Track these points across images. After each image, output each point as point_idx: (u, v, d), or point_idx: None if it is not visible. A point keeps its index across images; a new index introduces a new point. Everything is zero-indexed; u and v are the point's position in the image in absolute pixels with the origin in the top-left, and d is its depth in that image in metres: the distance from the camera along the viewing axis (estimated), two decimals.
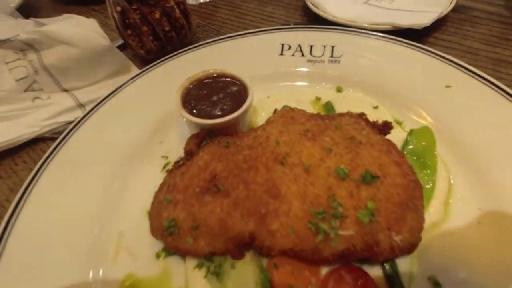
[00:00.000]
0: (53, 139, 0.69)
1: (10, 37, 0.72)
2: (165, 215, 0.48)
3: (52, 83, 0.78)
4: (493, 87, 0.61)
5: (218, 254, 0.46)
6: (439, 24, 0.89)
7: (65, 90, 0.79)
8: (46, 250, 0.51)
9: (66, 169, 0.61)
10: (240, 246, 0.45)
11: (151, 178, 0.59)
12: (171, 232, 0.46)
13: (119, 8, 0.79)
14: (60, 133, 0.67)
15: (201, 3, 1.11)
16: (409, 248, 0.45)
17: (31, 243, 0.52)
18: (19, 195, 0.57)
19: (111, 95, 0.71)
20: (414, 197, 0.47)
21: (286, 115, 0.56)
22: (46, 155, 0.62)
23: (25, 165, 0.71)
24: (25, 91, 0.76)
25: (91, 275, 0.50)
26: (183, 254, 0.48)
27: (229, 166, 0.49)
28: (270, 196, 0.44)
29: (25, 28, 0.77)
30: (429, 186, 0.54)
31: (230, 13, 1.06)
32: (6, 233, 0.52)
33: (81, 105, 0.76)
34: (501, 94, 0.60)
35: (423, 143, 0.58)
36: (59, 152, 0.63)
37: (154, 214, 0.50)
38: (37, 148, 0.74)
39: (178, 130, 0.68)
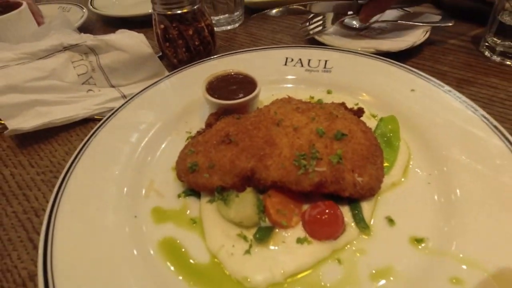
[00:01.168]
0: (101, 119, 0.89)
1: (79, 43, 0.96)
2: (188, 160, 0.65)
3: (103, 79, 0.99)
4: (447, 91, 0.79)
5: (227, 187, 0.61)
6: (416, 52, 1.09)
7: (112, 86, 1.01)
8: (97, 193, 0.67)
9: (111, 137, 0.78)
10: (243, 181, 0.61)
11: (176, 145, 0.76)
12: (193, 170, 0.63)
13: (162, 26, 1.02)
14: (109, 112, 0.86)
15: (223, 30, 1.35)
16: (370, 190, 0.60)
17: (84, 187, 0.68)
18: (74, 154, 0.74)
19: (149, 87, 0.91)
20: (374, 155, 0.62)
21: (284, 100, 0.74)
22: (96, 127, 0.81)
23: (78, 137, 0.90)
24: (82, 83, 0.98)
25: (129, 207, 0.65)
26: (200, 188, 0.63)
27: (239, 128, 0.66)
28: (267, 144, 0.61)
29: (89, 38, 1.00)
30: (392, 159, 0.70)
31: (247, 38, 1.30)
32: (65, 181, 0.69)
33: (124, 96, 0.96)
34: (451, 96, 0.78)
35: (390, 127, 0.74)
36: (106, 126, 0.81)
37: (179, 161, 0.67)
38: (88, 126, 0.93)
39: (200, 114, 0.87)
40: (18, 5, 1.22)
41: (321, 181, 0.57)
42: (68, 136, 0.91)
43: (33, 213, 0.72)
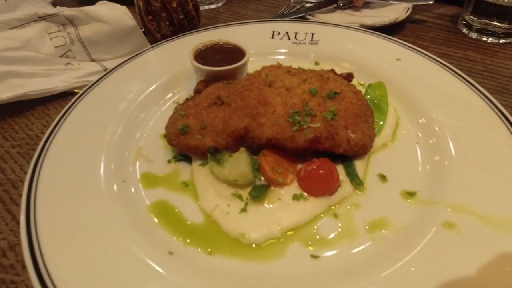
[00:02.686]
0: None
1: (56, 12, 0.90)
2: (179, 123, 0.63)
3: (83, 53, 0.94)
4: (431, 59, 0.82)
5: (219, 148, 0.60)
6: (399, 29, 1.12)
7: (93, 60, 0.96)
8: (81, 159, 0.63)
9: (94, 106, 0.75)
10: (237, 140, 0.60)
11: (164, 114, 0.74)
12: (184, 132, 0.61)
13: None
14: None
15: (206, 9, 1.33)
16: (363, 147, 0.60)
17: (66, 154, 0.64)
18: (54, 122, 0.70)
19: (132, 58, 0.88)
20: (366, 114, 0.63)
21: (274, 65, 0.73)
22: (77, 96, 0.77)
23: (56, 110, 0.85)
24: (60, 56, 0.92)
25: (116, 172, 0.62)
26: (192, 150, 0.61)
27: (230, 90, 0.65)
28: (260, 104, 0.60)
29: (66, 9, 0.94)
30: (381, 122, 0.71)
31: (231, 17, 1.28)
32: (44, 149, 0.65)
33: (106, 69, 0.92)
34: (434, 63, 0.80)
35: (378, 92, 0.75)
36: (88, 95, 0.77)
37: (169, 125, 0.65)
38: (66, 99, 0.88)
39: (187, 84, 0.84)
40: None
41: (316, 137, 0.57)
42: (45, 110, 0.86)
43: (10, 184, 0.67)
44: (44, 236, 0.49)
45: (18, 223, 0.60)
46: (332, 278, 0.46)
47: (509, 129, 0.61)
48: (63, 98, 0.88)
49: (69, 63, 0.93)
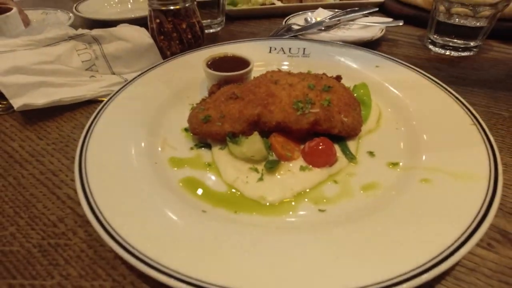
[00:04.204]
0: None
1: (84, 33, 1.04)
2: (200, 115, 0.75)
3: (106, 67, 1.07)
4: (404, 65, 0.99)
5: (236, 133, 0.72)
6: (376, 46, 1.31)
7: (113, 73, 1.09)
8: (118, 146, 0.74)
9: (121, 107, 0.85)
10: (251, 125, 0.73)
11: (182, 113, 0.86)
12: (206, 121, 0.73)
13: (158, 20, 1.14)
14: None
15: (207, 33, 1.50)
16: (353, 130, 0.74)
17: (105, 142, 0.74)
18: (88, 123, 0.80)
19: (150, 69, 1.01)
20: (354, 104, 0.78)
21: (275, 70, 0.88)
22: (106, 100, 0.88)
23: (82, 115, 0.96)
24: (86, 69, 1.05)
25: (149, 156, 0.73)
26: (213, 135, 0.73)
27: (242, 88, 0.79)
28: (269, 96, 0.74)
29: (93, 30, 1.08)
30: (367, 114, 0.85)
31: (229, 38, 1.44)
32: (86, 139, 0.75)
33: (126, 81, 1.05)
34: (407, 68, 0.97)
35: (362, 91, 0.90)
36: (115, 99, 0.89)
37: (192, 117, 0.77)
38: (91, 106, 0.99)
39: (200, 90, 0.98)
40: (9, 10, 1.28)
41: (316, 119, 0.70)
42: (72, 115, 0.97)
43: (51, 173, 0.77)
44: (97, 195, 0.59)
45: (63, 202, 0.69)
46: (337, 224, 0.57)
47: (467, 112, 0.76)
48: (87, 105, 1.00)
49: (93, 76, 1.05)
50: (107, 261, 0.57)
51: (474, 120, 0.74)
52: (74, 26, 1.50)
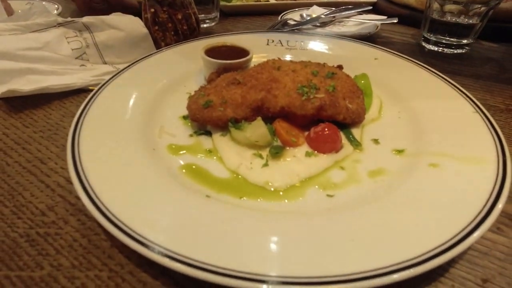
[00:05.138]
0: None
1: (74, 19, 0.99)
2: (201, 100, 0.72)
3: (97, 56, 1.03)
4: (403, 57, 0.99)
5: (239, 118, 0.70)
6: (370, 42, 1.31)
7: (105, 63, 1.04)
8: (113, 131, 0.70)
9: (116, 93, 0.82)
10: (254, 111, 0.70)
11: (179, 101, 0.83)
12: (207, 106, 0.70)
13: (152, 10, 1.11)
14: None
15: (202, 27, 1.47)
16: (358, 116, 0.73)
17: (99, 128, 0.70)
18: (81, 108, 0.76)
19: (144, 58, 0.97)
20: (357, 91, 0.76)
21: (276, 59, 0.86)
22: (98, 86, 0.84)
23: (72, 104, 0.91)
24: (76, 58, 1.00)
25: (145, 143, 0.69)
26: (215, 121, 0.70)
27: (244, 74, 0.76)
28: (272, 82, 0.72)
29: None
30: (369, 103, 0.84)
31: (224, 32, 1.43)
32: (79, 124, 0.70)
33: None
34: (405, 59, 0.97)
35: (362, 82, 0.90)
36: (109, 85, 0.84)
37: (192, 103, 0.74)
38: (81, 95, 0.94)
39: (197, 79, 0.95)
40: None
41: (321, 104, 0.68)
42: (61, 103, 0.91)
43: (39, 161, 0.71)
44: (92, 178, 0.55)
45: (52, 190, 0.64)
46: (346, 209, 0.55)
47: (469, 102, 0.76)
48: (77, 94, 0.95)
49: (83, 65, 1.00)
50: (103, 250, 0.53)
51: (477, 108, 0.74)
52: (62, 17, 1.45)
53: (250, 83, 0.72)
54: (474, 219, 0.50)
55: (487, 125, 0.69)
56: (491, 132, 0.67)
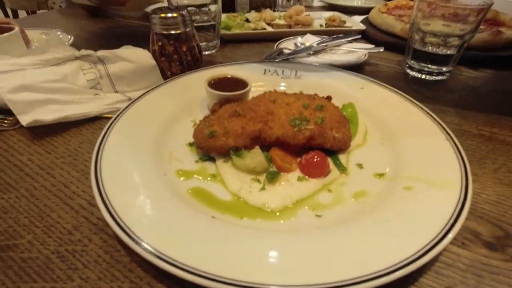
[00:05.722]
0: (111, 118, 1.01)
1: (90, 53, 1.11)
2: (206, 130, 0.82)
3: (110, 86, 1.13)
4: (386, 87, 1.10)
5: (239, 147, 0.80)
6: (360, 70, 1.43)
7: (117, 92, 1.15)
8: (129, 157, 0.79)
9: (128, 124, 0.91)
10: (253, 140, 0.80)
11: (185, 129, 0.94)
12: (211, 136, 0.80)
13: (160, 43, 1.22)
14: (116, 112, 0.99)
15: (203, 55, 1.59)
16: (344, 144, 0.83)
17: (117, 155, 0.80)
18: (100, 138, 0.86)
19: (153, 89, 1.08)
20: (344, 122, 0.87)
21: (272, 91, 0.97)
22: (113, 118, 0.94)
23: (88, 130, 1.01)
24: (91, 88, 1.11)
25: (158, 168, 0.79)
26: (218, 149, 0.80)
27: (243, 106, 0.87)
28: (269, 114, 0.82)
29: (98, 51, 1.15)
30: (354, 130, 0.95)
31: (224, 60, 1.54)
32: (100, 150, 0.80)
33: (130, 99, 1.11)
34: (389, 90, 1.08)
35: (350, 110, 1.00)
36: (122, 117, 0.94)
37: (197, 133, 0.84)
38: (96, 122, 1.04)
39: (201, 108, 1.05)
40: (11, 29, 1.33)
41: (311, 134, 0.79)
42: (78, 130, 1.01)
43: (62, 185, 0.81)
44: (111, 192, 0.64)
45: (76, 211, 0.73)
46: (332, 226, 0.65)
47: (441, 130, 0.87)
48: (93, 122, 1.05)
49: (97, 94, 1.11)
50: (124, 265, 0.62)
51: (447, 136, 0.84)
52: (74, 45, 1.57)
53: (249, 115, 0.82)
54: (438, 234, 0.59)
55: (455, 152, 0.79)
56: (458, 158, 0.77)
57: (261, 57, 1.57)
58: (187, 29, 1.24)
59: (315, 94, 0.99)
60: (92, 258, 0.63)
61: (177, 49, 1.24)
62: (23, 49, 1.29)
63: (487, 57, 1.50)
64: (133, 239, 0.57)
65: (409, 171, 0.76)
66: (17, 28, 1.36)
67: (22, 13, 6.00)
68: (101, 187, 0.68)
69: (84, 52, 1.12)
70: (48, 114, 0.97)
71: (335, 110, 0.88)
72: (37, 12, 5.76)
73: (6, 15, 3.96)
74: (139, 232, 0.58)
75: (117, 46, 1.20)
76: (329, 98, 0.98)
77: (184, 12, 1.21)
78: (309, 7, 2.50)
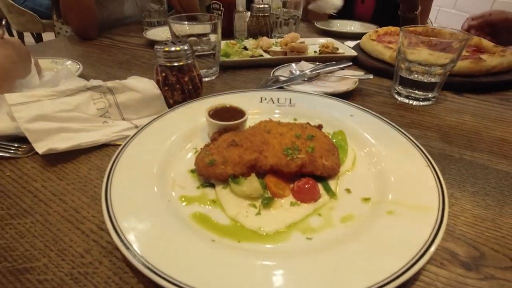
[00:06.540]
0: (119, 145, 1.10)
1: (101, 84, 1.20)
2: (206, 159, 0.90)
3: (117, 114, 1.22)
4: (374, 115, 1.19)
5: (237, 175, 0.87)
6: (350, 95, 1.53)
7: (124, 119, 1.23)
8: (137, 183, 0.87)
9: (134, 153, 0.99)
10: (249, 168, 0.87)
11: (187, 157, 1.01)
12: (211, 164, 0.88)
13: (164, 74, 1.32)
14: (124, 140, 1.07)
15: (204, 82, 1.69)
16: (333, 171, 0.90)
17: (125, 181, 0.87)
18: (109, 166, 0.94)
19: (158, 118, 1.16)
20: (333, 150, 0.95)
21: (268, 120, 1.05)
22: (122, 145, 1.02)
23: (96, 157, 1.08)
24: (100, 116, 1.19)
25: (162, 194, 0.86)
26: (218, 176, 0.87)
27: (241, 136, 0.94)
28: (264, 144, 0.90)
29: (108, 82, 1.24)
30: (344, 156, 1.03)
31: (223, 86, 1.64)
32: (110, 176, 0.87)
33: (136, 126, 1.19)
34: (376, 117, 1.17)
35: (340, 137, 1.09)
36: (130, 144, 1.02)
37: (198, 161, 0.92)
38: (103, 149, 1.12)
39: (202, 136, 1.13)
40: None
41: (302, 163, 0.86)
42: (87, 157, 1.09)
43: (74, 210, 0.87)
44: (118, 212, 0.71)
45: (87, 235, 0.80)
46: (321, 248, 0.71)
47: (423, 157, 0.94)
48: (100, 149, 1.12)
49: (106, 121, 1.19)
50: (131, 286, 0.68)
51: (428, 162, 0.92)
52: (83, 75, 1.67)
53: (246, 145, 0.90)
54: (416, 255, 0.66)
55: (434, 178, 0.86)
56: (436, 184, 0.84)
57: (258, 83, 1.67)
58: (189, 61, 1.34)
59: (307, 123, 1.07)
60: (103, 280, 0.69)
61: (179, 79, 1.33)
62: (37, 81, 1.38)
63: (470, 83, 1.59)
64: (141, 262, 0.64)
65: (392, 196, 0.84)
66: (33, 60, 1.46)
67: (27, 34, 6.18)
68: (111, 213, 0.75)
69: (94, 82, 1.21)
70: (62, 142, 1.04)
71: (325, 139, 0.96)
72: (42, 33, 5.94)
73: (11, 36, 4.08)
74: (146, 255, 0.65)
75: (122, 71, 1.29)
76: (320, 127, 1.06)
77: (186, 46, 1.31)
78: (304, 36, 2.63)
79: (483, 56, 1.64)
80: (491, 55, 1.70)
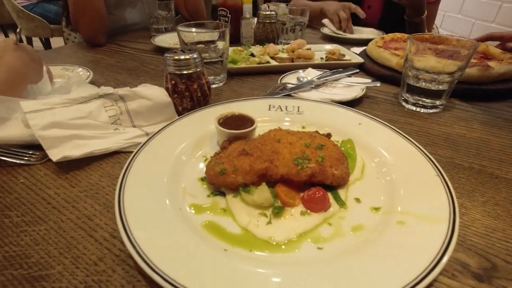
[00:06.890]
0: (130, 152, 1.11)
1: (113, 92, 1.22)
2: (217, 168, 0.91)
3: (128, 121, 1.24)
4: (382, 123, 1.19)
5: (248, 183, 0.88)
6: (358, 103, 1.53)
7: (134, 126, 1.25)
8: (149, 192, 0.88)
9: (145, 161, 1.01)
10: (260, 177, 0.88)
11: (197, 165, 1.02)
12: (222, 173, 0.89)
13: (173, 82, 1.33)
14: (135, 147, 1.09)
15: (212, 88, 1.70)
16: (343, 180, 0.91)
17: (138, 188, 0.89)
18: (121, 175, 0.95)
19: (168, 125, 1.18)
20: (342, 159, 0.95)
21: (277, 129, 1.06)
22: (133, 153, 1.03)
23: (107, 165, 1.10)
24: (111, 123, 1.21)
25: (173, 203, 0.87)
26: (228, 185, 0.88)
27: (251, 145, 0.96)
28: (274, 153, 0.91)
29: (119, 89, 1.26)
30: (353, 165, 1.03)
31: (231, 93, 1.66)
32: (122, 185, 0.89)
33: (147, 134, 1.21)
34: (384, 126, 1.17)
35: (348, 146, 1.09)
36: (142, 152, 1.04)
37: (209, 170, 0.93)
38: (114, 156, 1.14)
39: (211, 144, 1.14)
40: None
41: (312, 172, 0.87)
42: (99, 164, 1.10)
43: (86, 218, 0.89)
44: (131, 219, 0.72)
45: (100, 243, 0.81)
46: (332, 258, 0.72)
47: (432, 166, 0.95)
48: (111, 156, 1.14)
49: (117, 128, 1.21)
50: None
51: (438, 172, 0.92)
52: (92, 81, 1.69)
53: (256, 154, 0.91)
54: (428, 266, 0.66)
55: (444, 187, 0.86)
56: (447, 194, 0.84)
57: (265, 90, 1.68)
58: (198, 69, 1.36)
59: (316, 131, 1.08)
60: None
61: (188, 86, 1.35)
62: (49, 87, 1.41)
63: (478, 91, 1.59)
64: (154, 270, 0.65)
65: (401, 206, 0.84)
66: (45, 68, 1.49)
67: (35, 39, 6.28)
68: (125, 222, 0.76)
69: (106, 90, 1.23)
70: (75, 150, 1.06)
71: (334, 148, 0.96)
72: (50, 39, 6.03)
73: (20, 41, 4.17)
74: (159, 263, 0.66)
75: (130, 77, 1.30)
76: (329, 135, 1.07)
77: (195, 55, 1.32)
78: (311, 43, 2.64)
79: (491, 63, 1.64)
80: (499, 62, 1.70)
